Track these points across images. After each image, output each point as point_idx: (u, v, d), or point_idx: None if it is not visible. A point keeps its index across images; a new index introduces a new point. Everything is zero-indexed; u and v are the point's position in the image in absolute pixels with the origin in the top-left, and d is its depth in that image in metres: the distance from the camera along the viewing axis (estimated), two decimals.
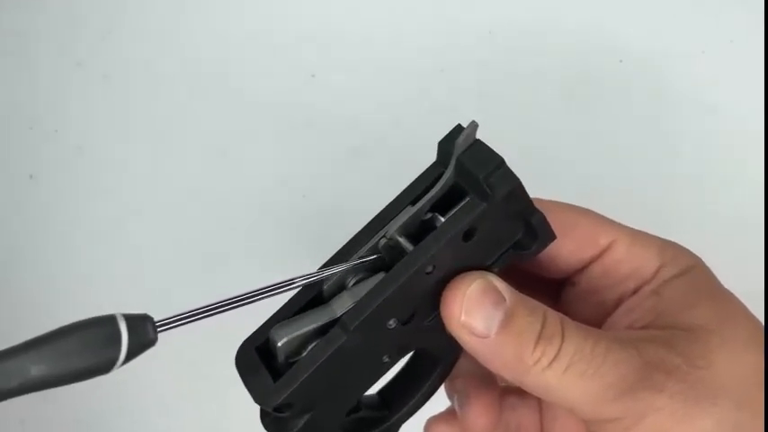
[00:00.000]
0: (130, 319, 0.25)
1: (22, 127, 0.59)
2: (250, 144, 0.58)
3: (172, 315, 0.26)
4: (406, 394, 0.34)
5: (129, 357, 0.25)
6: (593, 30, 0.60)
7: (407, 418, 0.35)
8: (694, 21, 0.60)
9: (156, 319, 0.26)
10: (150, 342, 0.26)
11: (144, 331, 0.26)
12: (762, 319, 0.32)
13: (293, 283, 0.28)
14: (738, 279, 0.34)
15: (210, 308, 0.27)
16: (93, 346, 0.24)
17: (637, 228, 0.34)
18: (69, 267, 0.56)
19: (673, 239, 0.34)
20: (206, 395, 0.53)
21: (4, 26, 0.62)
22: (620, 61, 0.59)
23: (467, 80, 0.59)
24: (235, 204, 0.57)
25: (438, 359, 0.34)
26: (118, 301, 0.54)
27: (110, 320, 0.25)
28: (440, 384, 0.35)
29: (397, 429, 0.35)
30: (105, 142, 0.59)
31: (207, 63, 0.61)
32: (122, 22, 0.62)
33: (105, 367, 0.24)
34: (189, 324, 0.27)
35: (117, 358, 0.24)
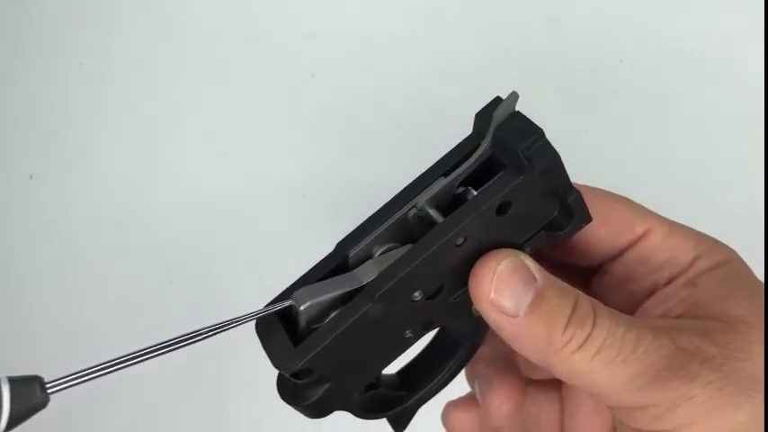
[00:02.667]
0: (16, 382, 0.23)
1: (22, 127, 0.59)
2: (250, 144, 0.58)
3: (64, 375, 0.24)
4: (426, 377, 0.33)
5: (14, 423, 0.23)
6: (593, 30, 0.60)
7: (426, 401, 0.34)
8: (694, 21, 0.60)
9: (46, 380, 0.24)
10: (38, 405, 0.24)
11: (30, 395, 0.23)
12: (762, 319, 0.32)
13: (199, 334, 0.27)
14: None
15: (107, 365, 0.26)
16: None
17: (654, 211, 0.34)
18: (69, 267, 0.56)
19: None
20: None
21: (4, 26, 0.62)
22: (620, 61, 0.59)
23: (467, 80, 0.59)
24: (235, 204, 0.57)
25: (460, 342, 0.33)
26: (118, 301, 0.55)
27: None
28: (460, 369, 0.34)
29: (415, 411, 0.34)
30: (105, 142, 0.59)
31: (207, 63, 0.61)
32: (122, 22, 0.62)
33: None
34: (84, 383, 0.25)
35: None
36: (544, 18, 0.60)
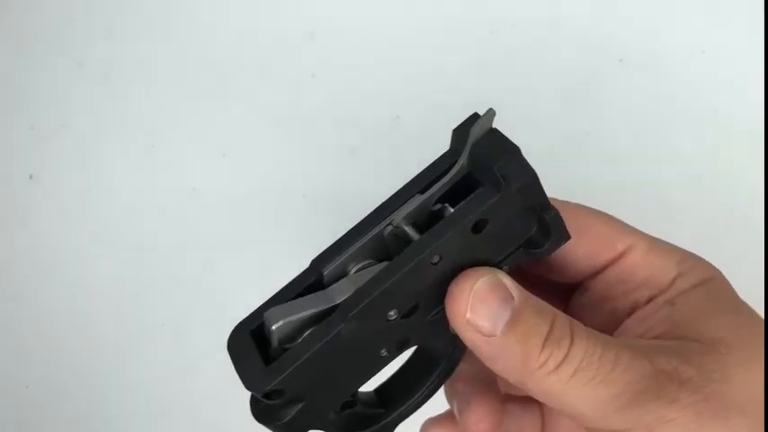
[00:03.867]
0: None
1: (23, 127, 0.59)
2: (250, 144, 0.58)
3: None
4: (404, 394, 0.33)
5: None
6: (594, 30, 0.60)
7: (404, 419, 0.33)
8: (694, 21, 0.60)
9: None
10: None
11: None
12: (762, 320, 0.32)
13: None
14: (738, 280, 0.33)
15: None
16: None
17: (635, 227, 0.34)
18: (69, 267, 0.56)
19: (671, 240, 0.34)
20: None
21: (4, 26, 0.62)
22: (620, 61, 0.59)
23: (467, 80, 0.59)
24: (234, 204, 0.57)
25: (439, 359, 0.32)
26: (117, 302, 0.55)
27: None
28: (439, 386, 0.33)
29: (394, 428, 0.34)
30: (105, 142, 0.59)
31: (207, 63, 0.61)
32: (122, 22, 0.62)
33: None
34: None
35: None
36: (544, 18, 0.60)
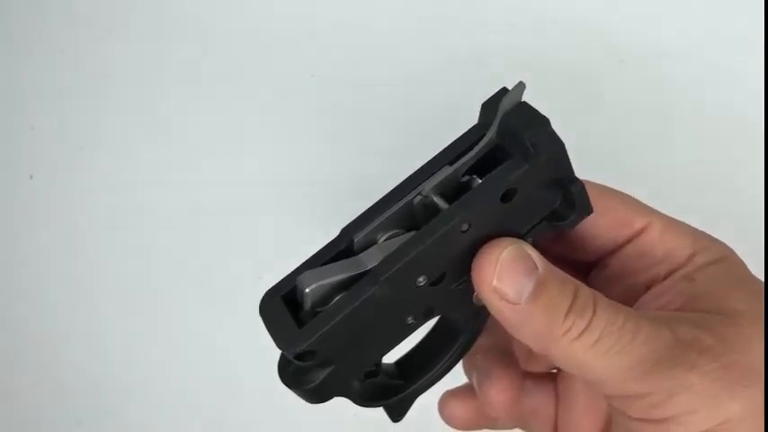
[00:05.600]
0: None
1: (23, 127, 0.59)
2: (250, 144, 0.58)
3: None
4: (424, 367, 0.34)
5: None
6: (594, 30, 0.60)
7: (424, 391, 0.34)
8: (694, 20, 0.60)
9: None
10: None
11: None
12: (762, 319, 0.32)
13: None
14: None
15: None
16: None
17: (651, 207, 0.34)
18: (69, 267, 0.56)
19: None
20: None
21: (4, 26, 0.62)
22: (620, 61, 0.59)
23: (467, 80, 0.59)
24: (235, 204, 0.57)
25: (459, 332, 0.33)
26: (117, 302, 0.55)
27: None
28: (458, 360, 0.34)
29: (413, 401, 0.34)
30: (105, 142, 0.59)
31: (207, 62, 0.61)
32: (122, 22, 0.62)
33: None
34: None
35: None
36: (544, 18, 0.60)
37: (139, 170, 0.58)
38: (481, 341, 0.34)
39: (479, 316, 0.32)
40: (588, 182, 0.32)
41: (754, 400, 0.28)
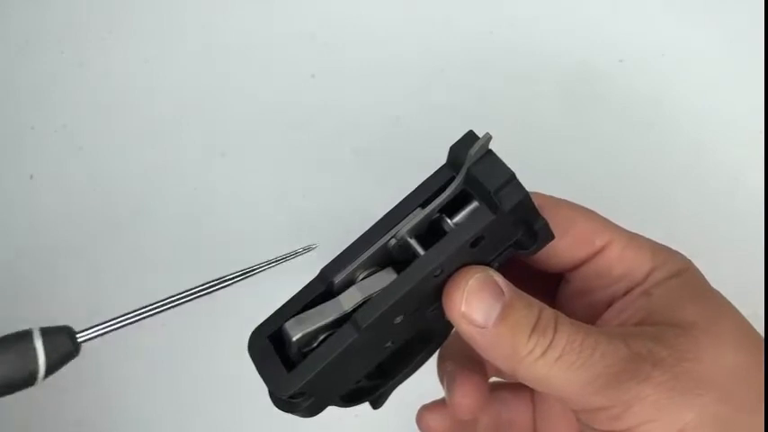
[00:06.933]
0: (48, 331, 0.26)
1: (23, 127, 0.59)
2: (250, 144, 0.58)
3: (94, 324, 0.27)
4: (402, 363, 0.36)
5: (51, 369, 0.26)
6: (594, 30, 0.60)
7: (399, 384, 0.37)
8: (694, 21, 0.60)
9: (77, 330, 0.27)
10: (70, 353, 0.27)
11: (62, 343, 0.26)
12: (763, 319, 0.32)
13: (224, 279, 0.31)
14: (738, 280, 0.34)
15: (134, 313, 0.30)
16: (12, 362, 0.25)
17: (635, 228, 0.35)
18: (69, 268, 0.56)
19: (671, 240, 0.35)
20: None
21: (4, 26, 0.62)
22: (620, 61, 0.59)
23: (467, 80, 0.59)
24: (234, 205, 0.57)
25: (434, 335, 0.36)
26: (117, 302, 0.55)
27: (25, 335, 0.25)
28: (431, 355, 0.37)
29: (391, 392, 0.37)
30: (105, 142, 0.59)
31: (207, 63, 0.61)
32: (122, 22, 0.62)
33: (28, 381, 0.25)
34: (113, 332, 0.27)
35: (37, 371, 0.25)
36: (544, 18, 0.61)
37: (139, 170, 0.58)
38: (452, 345, 0.37)
39: (452, 325, 0.35)
40: (552, 199, 0.34)
41: (709, 407, 0.29)
